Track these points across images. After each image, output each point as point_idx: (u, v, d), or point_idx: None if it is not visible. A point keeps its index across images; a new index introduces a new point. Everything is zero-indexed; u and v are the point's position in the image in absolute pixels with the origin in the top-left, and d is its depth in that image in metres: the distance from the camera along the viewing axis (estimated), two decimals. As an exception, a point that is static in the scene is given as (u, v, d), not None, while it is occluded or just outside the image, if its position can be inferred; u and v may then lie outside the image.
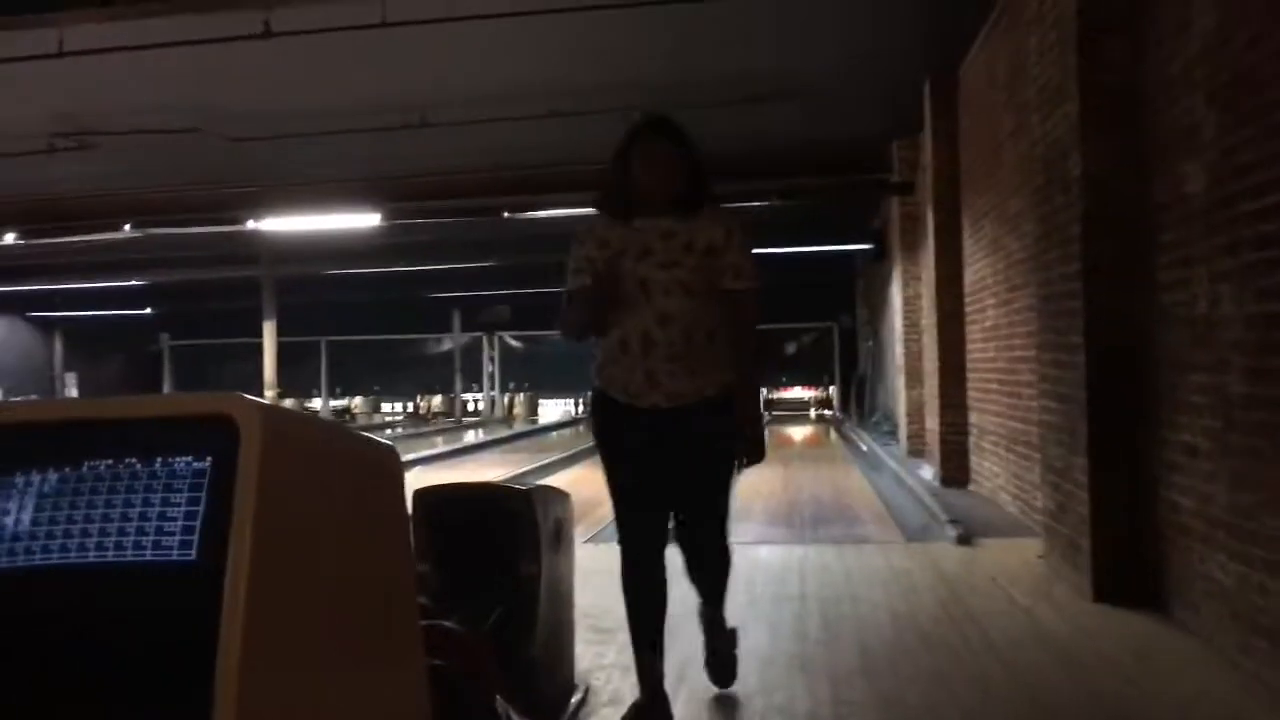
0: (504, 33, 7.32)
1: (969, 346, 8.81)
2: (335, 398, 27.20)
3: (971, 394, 8.77)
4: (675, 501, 3.13)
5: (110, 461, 1.13)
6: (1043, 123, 5.19)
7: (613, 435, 3.09)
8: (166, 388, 25.72)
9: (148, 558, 1.08)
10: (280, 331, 15.73)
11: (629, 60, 8.51)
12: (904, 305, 11.52)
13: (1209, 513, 3.82)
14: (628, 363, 3.00)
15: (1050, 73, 5.02)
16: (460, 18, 6.91)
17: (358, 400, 28.41)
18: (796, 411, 25.18)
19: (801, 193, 12.63)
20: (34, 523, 1.12)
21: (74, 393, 23.74)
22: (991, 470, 8.00)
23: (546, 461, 13.01)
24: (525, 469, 12.22)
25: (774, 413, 25.19)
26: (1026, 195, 6.02)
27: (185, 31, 6.90)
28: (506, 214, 12.47)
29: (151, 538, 1.09)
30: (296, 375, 23.64)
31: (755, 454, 3.16)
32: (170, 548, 1.08)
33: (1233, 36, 3.58)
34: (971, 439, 8.81)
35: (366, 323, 24.70)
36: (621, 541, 3.16)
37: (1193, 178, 3.94)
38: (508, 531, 2.92)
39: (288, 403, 23.91)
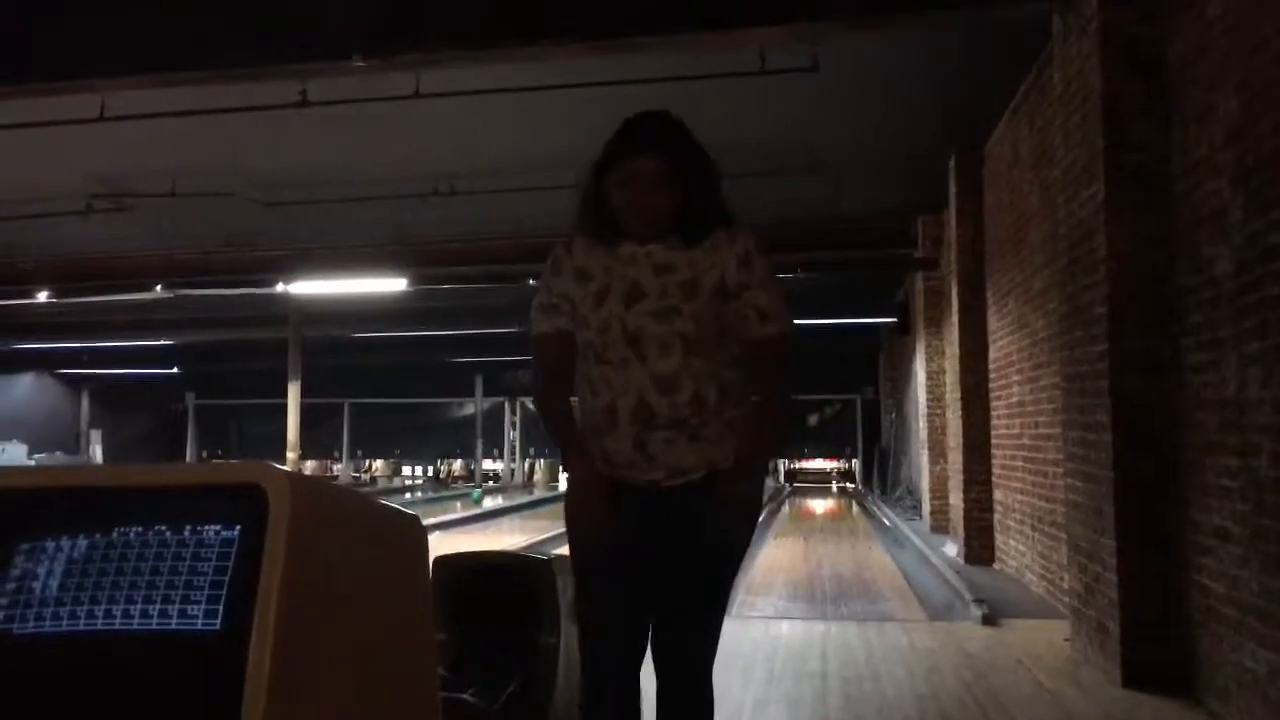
0: (531, 105, 7.45)
1: (994, 422, 8.74)
2: (356, 459, 27.25)
3: (996, 470, 8.69)
4: (659, 611, 2.30)
5: (140, 529, 1.13)
6: (1068, 203, 5.21)
7: (590, 520, 2.26)
8: (190, 447, 25.87)
9: (173, 626, 1.08)
10: (304, 392, 15.82)
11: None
12: (927, 380, 11.48)
13: (1240, 598, 3.75)
14: (616, 434, 2.25)
15: (1076, 153, 5.06)
16: (490, 90, 7.05)
17: (379, 463, 28.46)
18: (818, 483, 25.00)
19: (826, 266, 12.68)
20: (62, 588, 1.12)
21: (98, 450, 23.91)
22: (1017, 549, 7.89)
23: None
24: (545, 536, 12.15)
25: (795, 484, 25.04)
26: (1052, 273, 6.03)
27: (225, 99, 7.07)
28: (531, 280, 12.56)
29: (177, 606, 1.09)
30: (319, 436, 23.73)
31: (730, 543, 2.30)
32: (195, 617, 1.08)
33: (1258, 121, 3.61)
34: (996, 516, 8.70)
35: (390, 386, 24.82)
36: (586, 660, 2.33)
37: (1220, 260, 3.94)
38: (527, 601, 2.90)
39: (309, 464, 24.00)
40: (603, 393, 2.27)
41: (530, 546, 11.06)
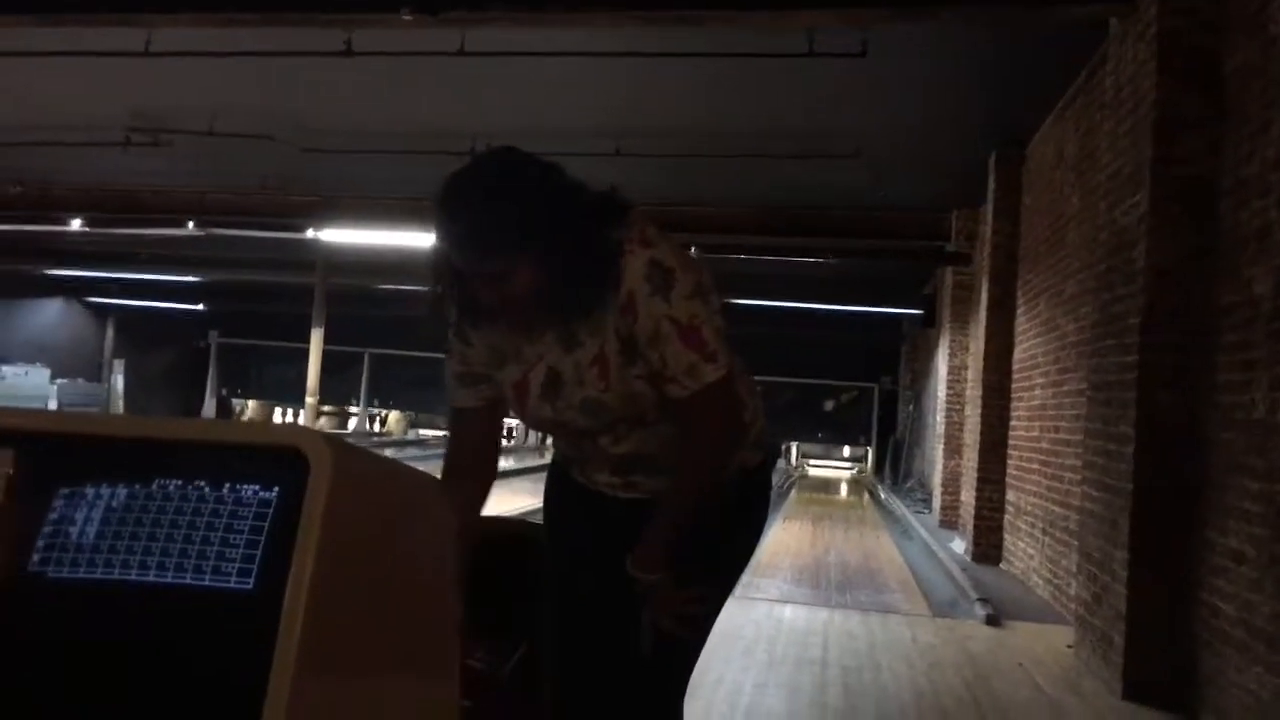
0: (575, 70, 7.41)
1: (1013, 423, 8.71)
2: (373, 409, 27.41)
3: (1011, 471, 8.66)
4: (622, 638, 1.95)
5: (180, 482, 1.14)
6: (1110, 210, 5.16)
7: (564, 513, 2.08)
8: (210, 383, 26.04)
9: (206, 583, 1.10)
10: (326, 339, 15.89)
11: (697, 105, 8.57)
12: (949, 374, 11.44)
13: (1251, 622, 3.74)
14: (590, 468, 2.01)
15: (1123, 160, 5.00)
16: (535, 53, 7.01)
17: (393, 417, 28.62)
18: (831, 469, 25.01)
19: (857, 254, 12.62)
20: (99, 535, 1.14)
21: (120, 380, 24.10)
22: (1025, 551, 7.88)
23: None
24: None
25: (808, 467, 25.05)
26: (1087, 279, 5.98)
27: (270, 42, 7.06)
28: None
29: (212, 563, 1.10)
30: (338, 384, 23.85)
31: (666, 617, 1.87)
32: (229, 574, 1.10)
33: (1313, 144, 3.55)
34: (1007, 517, 8.68)
35: (410, 340, 24.90)
36: (548, 669, 2.08)
37: (1260, 281, 3.89)
38: (535, 567, 2.91)
39: (325, 410, 24.13)
40: (571, 455, 2.03)
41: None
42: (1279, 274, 3.74)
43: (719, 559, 2.00)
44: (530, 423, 1.95)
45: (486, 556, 2.90)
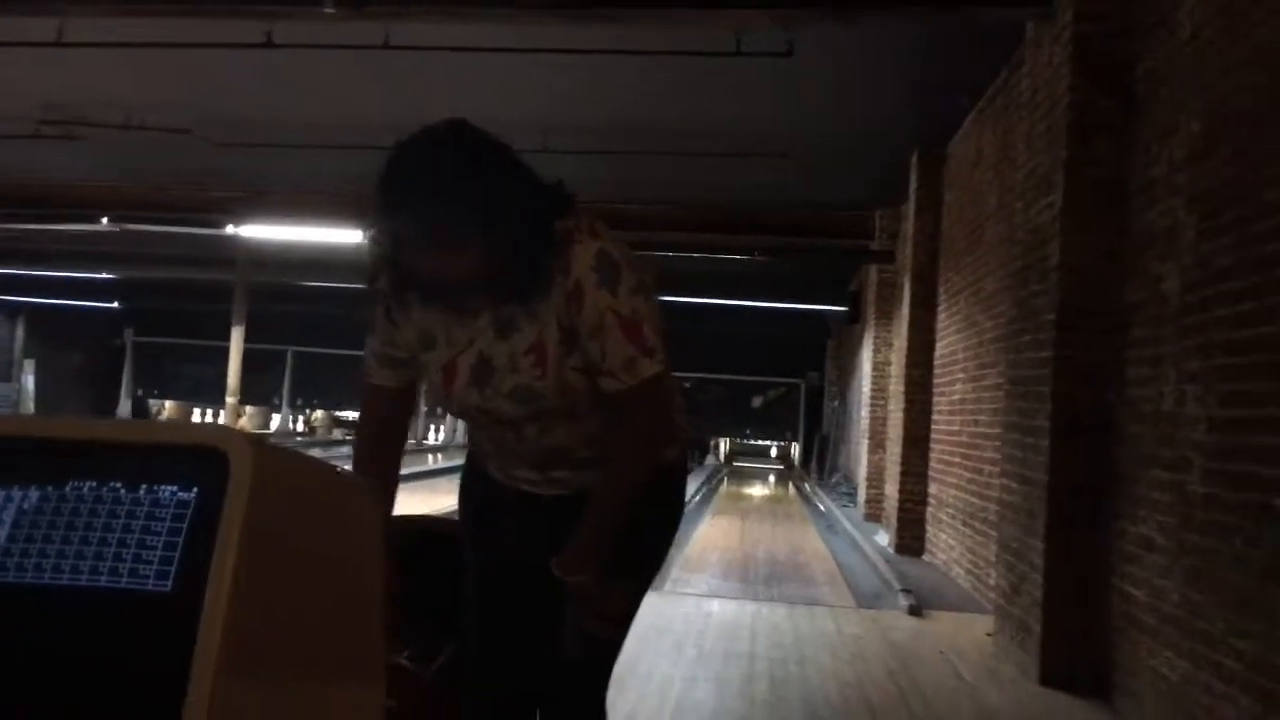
0: (501, 66, 7.37)
1: (934, 418, 8.88)
2: (297, 408, 26.95)
3: (933, 465, 8.83)
4: (545, 636, 1.96)
5: (94, 484, 1.12)
6: (1026, 209, 5.29)
7: (484, 511, 2.03)
8: (125, 383, 25.37)
9: (123, 585, 1.07)
10: (247, 338, 15.59)
11: (626, 103, 8.59)
12: (873, 370, 11.63)
13: (1161, 608, 3.87)
14: (509, 462, 1.98)
15: (1038, 160, 5.13)
16: (463, 48, 6.96)
17: (318, 414, 28.19)
18: (758, 464, 25.26)
19: (783, 252, 12.76)
20: (10, 539, 1.11)
21: (30, 380, 23.35)
22: (947, 542, 8.05)
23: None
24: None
25: (735, 463, 25.26)
26: (1004, 277, 6.12)
27: (187, 34, 6.90)
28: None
29: (129, 565, 1.08)
30: (259, 383, 23.42)
31: (591, 616, 1.89)
32: (146, 576, 1.07)
33: (1217, 147, 3.69)
34: (929, 509, 8.86)
35: (335, 337, 24.54)
36: (472, 667, 2.08)
37: (1168, 278, 4.03)
38: (462, 566, 2.89)
39: (248, 410, 23.67)
40: (489, 449, 1.98)
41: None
42: (1186, 272, 3.87)
43: (640, 555, 2.00)
44: (453, 408, 1.90)
45: (415, 555, 2.87)
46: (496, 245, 1.71)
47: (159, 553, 1.08)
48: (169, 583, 1.07)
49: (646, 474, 1.87)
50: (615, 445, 1.85)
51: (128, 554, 1.08)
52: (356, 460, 1.97)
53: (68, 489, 1.12)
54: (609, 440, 1.86)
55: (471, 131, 1.75)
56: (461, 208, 1.67)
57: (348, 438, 26.67)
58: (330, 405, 27.87)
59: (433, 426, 26.96)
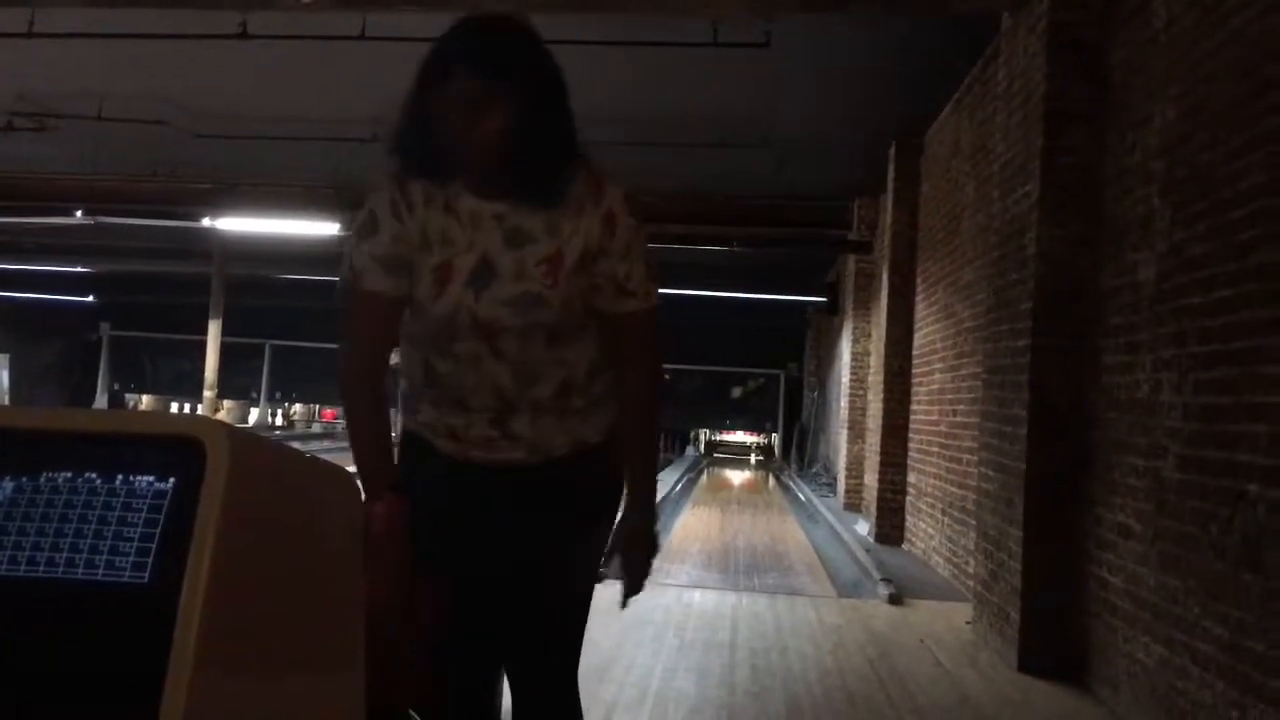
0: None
1: (913, 407, 8.93)
2: (275, 401, 26.80)
3: (912, 454, 8.88)
4: (513, 616, 1.90)
5: (70, 474, 1.11)
6: (1003, 198, 5.31)
7: (428, 506, 1.80)
8: (102, 378, 25.16)
9: (99, 577, 1.06)
10: (224, 331, 15.49)
11: (604, 94, 8.55)
12: (852, 360, 11.67)
13: (1137, 593, 3.91)
14: (465, 415, 1.87)
15: (1014, 150, 5.15)
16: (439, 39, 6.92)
17: (297, 407, 28.05)
18: (738, 455, 25.32)
19: (762, 243, 12.78)
20: (-16, 531, 1.10)
21: (4, 375, 23.12)
22: (926, 531, 8.10)
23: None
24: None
25: (715, 454, 25.30)
26: (982, 266, 6.15)
27: (161, 24, 6.84)
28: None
29: (105, 557, 1.07)
30: (237, 376, 23.27)
31: (638, 565, 1.90)
32: (123, 568, 1.07)
33: (1191, 135, 3.71)
34: (909, 498, 8.91)
35: (314, 330, 24.41)
36: (453, 654, 1.91)
37: (1143, 266, 4.05)
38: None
39: (226, 404, 23.52)
40: (447, 386, 1.86)
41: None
42: (1161, 260, 3.90)
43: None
44: (438, 312, 1.80)
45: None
46: (528, 108, 1.73)
47: (135, 544, 1.07)
48: (146, 574, 1.07)
49: (662, 396, 1.97)
50: (633, 372, 1.90)
51: (104, 545, 1.07)
52: (357, 381, 1.82)
53: (42, 480, 1.11)
54: (616, 376, 1.90)
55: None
56: (510, 50, 1.74)
57: (327, 431, 26.58)
58: (308, 398, 27.73)
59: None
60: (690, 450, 25.70)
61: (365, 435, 1.79)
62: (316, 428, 27.74)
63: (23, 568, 1.08)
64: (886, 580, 6.69)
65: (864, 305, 11.55)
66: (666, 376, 2.11)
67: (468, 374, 1.84)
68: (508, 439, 1.86)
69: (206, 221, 12.24)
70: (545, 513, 1.87)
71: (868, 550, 8.32)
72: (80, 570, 1.07)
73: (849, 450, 11.56)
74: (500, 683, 2.00)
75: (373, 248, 1.80)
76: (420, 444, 1.92)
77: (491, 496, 1.88)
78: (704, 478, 18.63)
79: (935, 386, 8.02)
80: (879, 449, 9.33)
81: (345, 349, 1.85)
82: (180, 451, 1.09)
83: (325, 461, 1.41)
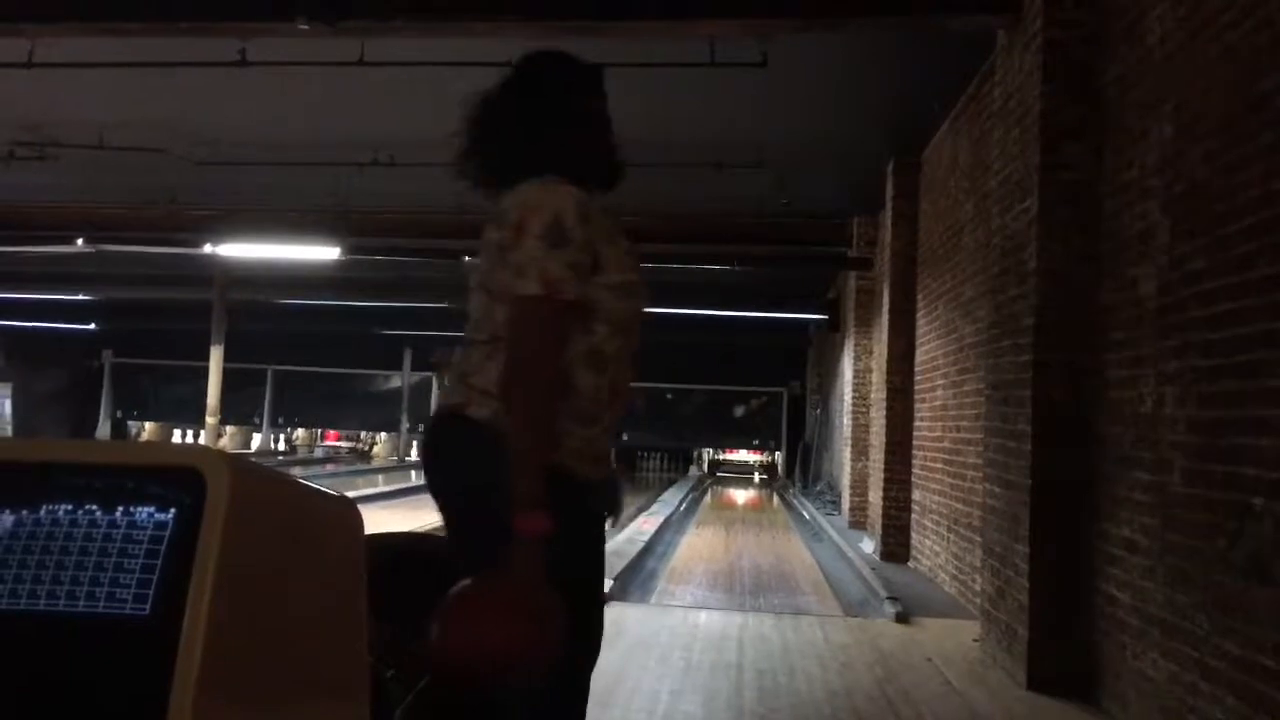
0: (476, 81, 7.36)
1: (917, 424, 8.91)
2: (278, 427, 26.77)
3: (916, 471, 8.85)
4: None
5: (70, 506, 1.10)
6: (1002, 215, 5.32)
7: (580, 535, 1.84)
8: (104, 405, 25.17)
9: (100, 609, 1.06)
10: (226, 357, 15.50)
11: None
12: (854, 378, 11.65)
13: (1145, 609, 3.88)
14: (600, 426, 1.88)
15: (1012, 167, 5.16)
16: (436, 63, 6.95)
17: (300, 432, 28.02)
18: (742, 474, 25.27)
19: (762, 261, 12.79)
20: (-16, 564, 1.09)
21: (6, 405, 23.12)
22: (932, 549, 8.06)
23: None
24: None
25: (719, 474, 25.26)
26: (983, 282, 6.15)
27: (160, 53, 6.87)
28: (466, 258, 12.46)
29: (105, 589, 1.06)
30: (239, 402, 23.26)
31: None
32: (124, 600, 1.06)
33: (1188, 149, 3.72)
34: (914, 516, 8.87)
35: (315, 355, 24.40)
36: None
37: (1144, 281, 4.05)
38: (451, 583, 2.88)
39: (229, 430, 23.51)
40: (591, 398, 1.85)
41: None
42: (1162, 274, 3.90)
43: None
44: (616, 316, 1.83)
45: (398, 574, 2.85)
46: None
47: (136, 576, 1.07)
48: (147, 606, 1.06)
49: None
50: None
51: (105, 578, 1.07)
52: (553, 381, 1.76)
53: (43, 513, 1.11)
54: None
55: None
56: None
57: (329, 456, 26.54)
58: (311, 423, 27.70)
59: (415, 443, 26.84)
60: (694, 470, 25.65)
61: (545, 452, 1.72)
62: (319, 452, 27.67)
63: (23, 601, 1.08)
64: (893, 599, 6.65)
65: (865, 322, 11.55)
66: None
67: (618, 381, 1.87)
68: (609, 452, 1.96)
69: (208, 248, 12.26)
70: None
71: (873, 568, 8.29)
72: (81, 603, 1.07)
73: (853, 468, 11.53)
74: None
75: (569, 255, 1.78)
76: (566, 478, 1.81)
77: (599, 515, 1.95)
78: (708, 497, 18.58)
79: (938, 402, 8.01)
80: (883, 466, 9.31)
81: (540, 361, 1.74)
82: (180, 482, 1.09)
83: (326, 491, 1.41)
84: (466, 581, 1.68)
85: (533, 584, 1.58)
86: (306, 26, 5.41)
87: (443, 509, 1.90)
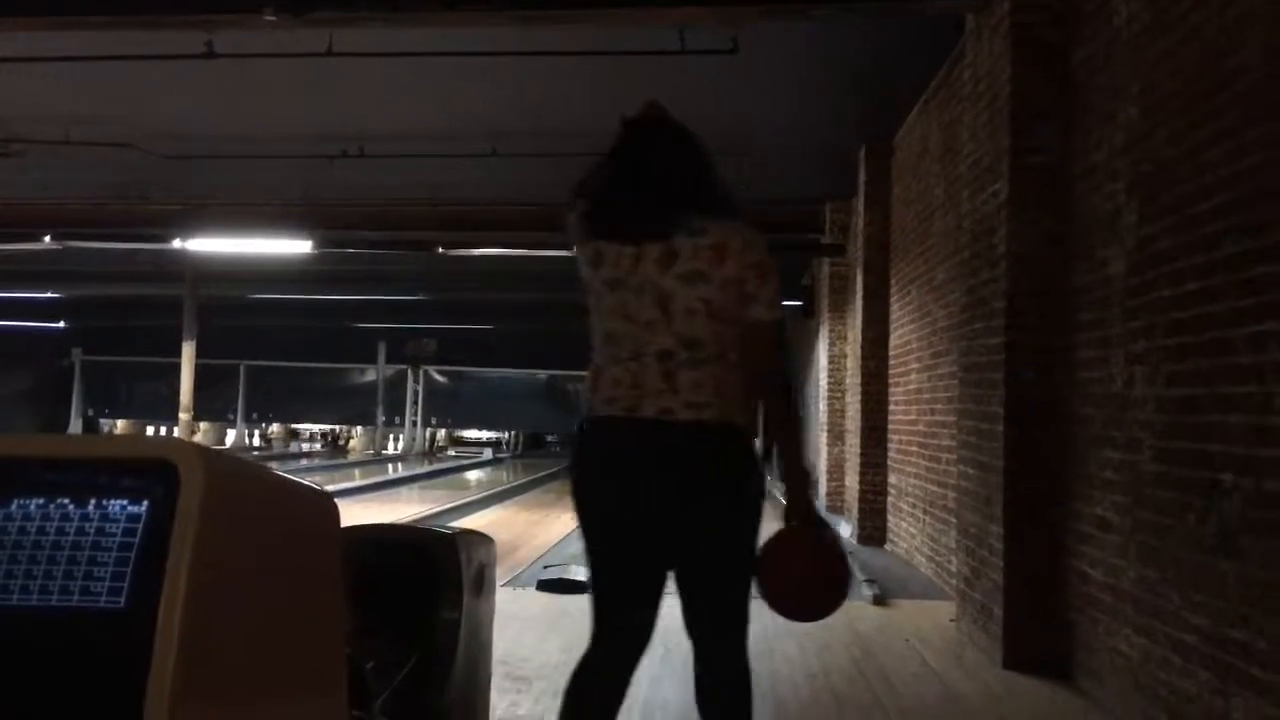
0: (447, 70, 7.34)
1: (891, 408, 8.96)
2: (252, 422, 26.61)
3: (892, 455, 8.91)
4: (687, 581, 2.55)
5: (41, 501, 1.10)
6: (972, 198, 5.35)
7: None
8: (75, 404, 24.93)
9: (74, 603, 1.05)
10: (199, 353, 15.37)
11: (573, 104, 8.57)
12: (829, 363, 11.69)
13: (1118, 586, 3.93)
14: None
15: (982, 150, 5.19)
16: (406, 53, 6.91)
17: (275, 427, 27.87)
18: None
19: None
20: (-44, 560, 1.08)
21: (-25, 404, 22.84)
22: (908, 531, 8.12)
23: (465, 501, 12.86)
24: (443, 507, 12.06)
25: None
26: (954, 266, 6.19)
27: (125, 46, 6.79)
28: (440, 249, 12.41)
29: (79, 582, 1.06)
30: (213, 398, 23.10)
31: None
32: (98, 594, 1.05)
33: (1154, 131, 3.75)
34: (890, 499, 8.94)
35: (289, 349, 24.26)
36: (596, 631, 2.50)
37: (1113, 261, 4.09)
38: (430, 576, 2.87)
39: (203, 426, 23.34)
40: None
41: (428, 517, 10.98)
42: (1131, 255, 3.94)
43: None
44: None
45: (376, 565, 2.84)
46: None
47: (110, 569, 1.06)
48: (121, 599, 1.05)
49: None
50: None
51: (79, 571, 1.06)
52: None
53: (13, 507, 1.10)
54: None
55: None
56: None
57: (305, 450, 26.40)
58: (286, 418, 27.55)
59: (391, 436, 26.75)
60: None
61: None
62: (295, 447, 27.53)
63: (-4, 596, 1.07)
64: (870, 581, 6.70)
65: (839, 308, 11.59)
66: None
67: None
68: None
69: (177, 243, 12.15)
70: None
71: (850, 552, 8.33)
72: (55, 597, 1.06)
73: (829, 452, 11.58)
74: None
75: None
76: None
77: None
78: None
79: (913, 386, 8.06)
80: (859, 450, 9.36)
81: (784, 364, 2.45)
82: (154, 475, 1.08)
83: (302, 482, 1.40)
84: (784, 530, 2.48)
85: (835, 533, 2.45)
86: (273, 18, 5.36)
87: (739, 517, 2.47)
